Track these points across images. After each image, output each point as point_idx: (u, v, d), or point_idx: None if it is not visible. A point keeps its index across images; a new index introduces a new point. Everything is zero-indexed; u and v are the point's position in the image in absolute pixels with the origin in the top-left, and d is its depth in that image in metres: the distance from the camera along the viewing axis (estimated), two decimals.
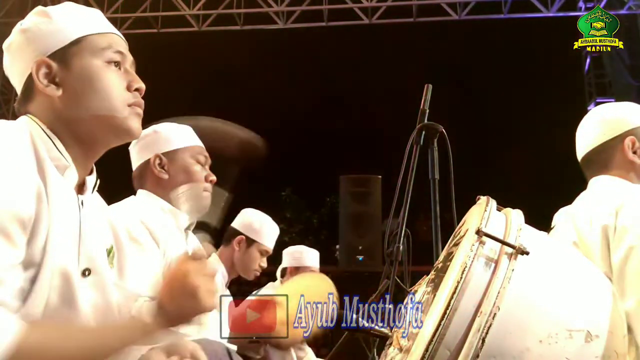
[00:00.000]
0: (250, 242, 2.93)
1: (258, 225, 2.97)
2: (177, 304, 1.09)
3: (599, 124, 1.82)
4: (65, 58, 1.16)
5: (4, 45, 1.21)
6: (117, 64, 1.19)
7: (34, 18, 1.19)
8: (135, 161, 2.00)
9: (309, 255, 3.83)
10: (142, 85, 1.21)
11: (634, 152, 1.76)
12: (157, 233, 1.81)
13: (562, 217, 1.81)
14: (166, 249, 1.83)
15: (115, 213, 1.78)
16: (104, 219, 1.27)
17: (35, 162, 1.05)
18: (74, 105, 1.14)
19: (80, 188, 1.17)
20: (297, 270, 3.68)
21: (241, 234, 2.93)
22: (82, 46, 1.17)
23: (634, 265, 1.46)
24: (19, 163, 1.01)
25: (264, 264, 3.01)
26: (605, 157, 1.78)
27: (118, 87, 1.18)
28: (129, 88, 1.19)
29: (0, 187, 0.96)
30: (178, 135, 2.00)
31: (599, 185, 1.77)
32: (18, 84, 1.19)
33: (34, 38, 1.17)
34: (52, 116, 1.14)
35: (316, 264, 3.83)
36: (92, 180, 1.21)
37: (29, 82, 1.16)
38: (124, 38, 1.25)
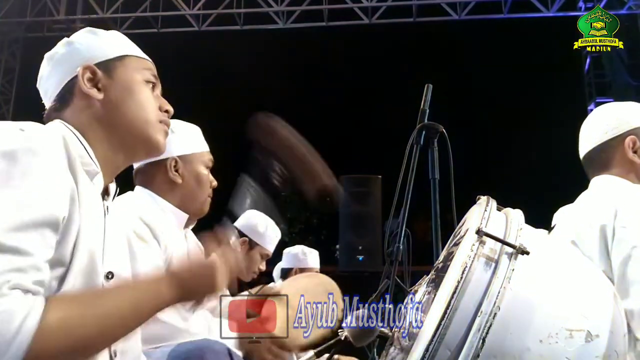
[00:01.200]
0: (252, 244, 2.93)
1: (262, 228, 2.97)
2: (195, 280, 1.13)
3: (600, 123, 1.83)
4: (109, 68, 1.25)
5: (47, 55, 1.29)
6: (153, 86, 1.31)
7: (82, 34, 1.29)
8: None
9: (313, 256, 3.85)
10: (171, 109, 1.33)
11: (635, 152, 1.76)
12: (157, 231, 1.81)
13: (561, 216, 1.81)
14: (167, 247, 1.84)
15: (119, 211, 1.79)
16: (122, 223, 1.32)
17: (68, 164, 1.07)
18: (113, 110, 1.22)
19: (104, 194, 1.21)
20: (302, 271, 3.69)
21: (244, 235, 2.93)
22: (125, 62, 1.27)
23: (636, 266, 1.46)
24: (54, 163, 1.03)
25: (263, 267, 3.02)
26: (606, 156, 1.79)
27: (153, 104, 1.29)
28: (160, 108, 1.31)
29: (38, 185, 0.98)
30: (193, 139, 2.03)
31: (599, 185, 1.78)
32: (54, 91, 1.25)
33: (81, 48, 1.26)
34: (88, 120, 1.20)
35: (318, 265, 3.84)
36: (113, 187, 1.27)
37: (69, 87, 1.23)
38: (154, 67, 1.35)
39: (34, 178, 0.98)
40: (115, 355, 1.13)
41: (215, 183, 2.04)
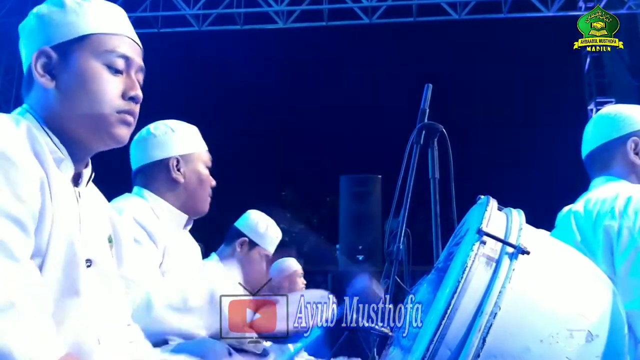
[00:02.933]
0: (252, 245, 2.91)
1: (263, 229, 2.95)
2: None
3: (603, 125, 1.84)
4: (66, 52, 1.15)
5: (20, 26, 1.22)
6: (118, 70, 1.17)
7: (51, 5, 1.18)
8: (145, 157, 1.97)
9: (292, 261, 3.94)
10: (139, 94, 1.19)
11: (636, 154, 1.77)
12: (154, 233, 1.81)
13: (564, 217, 1.81)
14: (166, 248, 1.84)
15: (113, 210, 1.78)
16: (101, 210, 1.28)
17: (34, 154, 1.05)
18: (64, 101, 1.14)
19: (75, 181, 1.17)
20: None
21: (244, 235, 2.91)
22: (85, 44, 1.15)
23: (639, 267, 1.46)
24: (22, 155, 1.01)
25: (266, 272, 3.02)
26: (607, 156, 1.80)
27: (110, 93, 1.15)
28: (123, 95, 1.17)
29: (11, 179, 0.97)
30: (193, 138, 2.03)
31: (601, 186, 1.78)
32: (24, 66, 1.20)
33: (44, 26, 1.17)
34: (45, 108, 1.15)
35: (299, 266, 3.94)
36: (87, 172, 1.20)
37: (30, 69, 1.16)
38: (138, 42, 1.23)
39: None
40: (100, 343, 1.11)
41: (214, 182, 2.03)
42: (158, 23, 8.67)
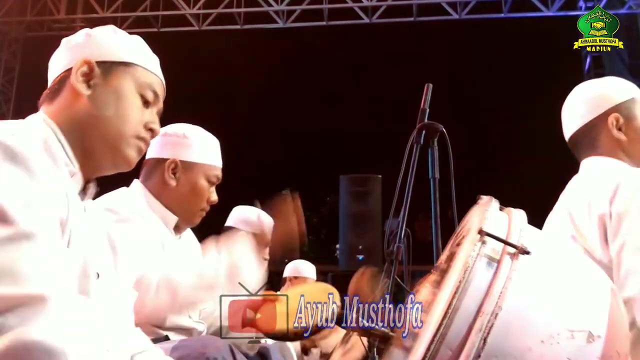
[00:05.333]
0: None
1: (255, 218, 3.01)
2: None
3: (581, 104, 1.78)
4: (109, 70, 1.22)
5: (65, 39, 1.28)
6: (147, 103, 1.27)
7: (103, 29, 1.28)
8: (154, 152, 1.97)
9: (307, 267, 3.94)
10: (158, 129, 1.29)
11: (619, 129, 1.71)
12: (131, 213, 1.81)
13: (556, 207, 1.78)
14: (164, 243, 1.84)
15: (107, 200, 1.77)
16: (99, 221, 1.30)
17: (52, 163, 1.07)
18: (94, 111, 1.19)
19: (82, 194, 1.20)
20: (296, 279, 3.79)
21: (240, 230, 2.95)
22: (128, 70, 1.24)
23: (631, 254, 1.44)
24: (47, 165, 1.03)
25: (267, 255, 3.06)
26: (591, 137, 1.74)
27: (137, 118, 1.24)
28: (145, 125, 1.26)
29: (42, 188, 0.98)
30: (205, 150, 1.98)
31: (591, 169, 1.73)
32: (54, 75, 1.24)
33: (94, 42, 1.25)
34: (70, 117, 1.18)
35: (314, 276, 3.93)
36: (93, 187, 1.24)
37: (66, 75, 1.21)
38: (164, 85, 1.33)
39: (37, 181, 0.98)
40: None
41: (215, 199, 1.99)
42: (158, 22, 8.67)
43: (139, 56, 1.27)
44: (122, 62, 1.24)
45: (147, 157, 1.98)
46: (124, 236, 1.58)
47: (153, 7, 8.58)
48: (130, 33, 1.32)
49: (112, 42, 1.26)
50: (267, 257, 3.09)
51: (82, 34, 1.27)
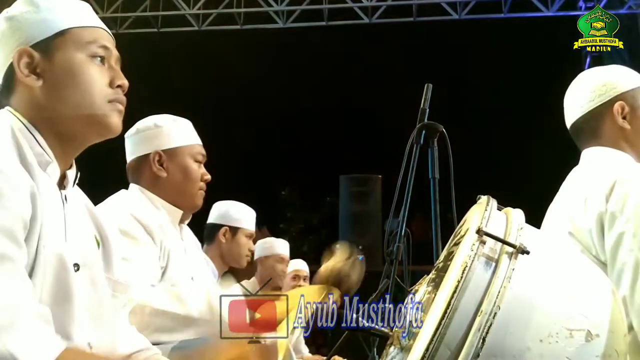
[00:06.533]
0: (234, 230, 3.02)
1: (235, 212, 3.07)
2: None
3: (586, 91, 1.74)
4: (48, 49, 1.14)
5: None
6: (102, 59, 1.18)
7: (21, 6, 1.18)
8: (132, 153, 1.98)
9: (278, 244, 3.86)
10: (125, 82, 1.20)
11: (624, 118, 1.68)
12: (151, 227, 1.81)
13: (555, 201, 1.77)
14: (163, 243, 1.83)
15: (104, 207, 1.77)
16: (86, 211, 1.26)
17: (20, 160, 1.04)
18: (54, 98, 1.13)
19: (60, 182, 1.16)
20: (267, 259, 3.70)
21: (223, 225, 3.01)
22: (66, 38, 1.15)
23: (625, 252, 1.44)
24: (11, 164, 1.00)
25: (253, 247, 3.13)
26: (594, 125, 1.71)
27: (99, 83, 1.16)
28: (111, 84, 1.18)
29: (2, 189, 0.96)
30: (179, 132, 1.99)
31: (591, 162, 1.71)
32: (1, 73, 1.17)
33: (19, 27, 1.15)
34: (32, 109, 1.13)
35: (286, 253, 3.84)
36: (72, 174, 1.19)
37: (10, 72, 1.14)
38: (110, 33, 1.24)
39: None
40: (91, 347, 1.11)
41: (208, 177, 2.00)
42: (158, 23, 8.66)
43: (69, 19, 1.17)
44: (55, 34, 1.14)
45: (127, 160, 1.98)
46: (135, 254, 1.62)
47: (153, 8, 8.56)
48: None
49: (34, 18, 1.15)
50: (253, 248, 3.20)
51: (3, 20, 1.17)
